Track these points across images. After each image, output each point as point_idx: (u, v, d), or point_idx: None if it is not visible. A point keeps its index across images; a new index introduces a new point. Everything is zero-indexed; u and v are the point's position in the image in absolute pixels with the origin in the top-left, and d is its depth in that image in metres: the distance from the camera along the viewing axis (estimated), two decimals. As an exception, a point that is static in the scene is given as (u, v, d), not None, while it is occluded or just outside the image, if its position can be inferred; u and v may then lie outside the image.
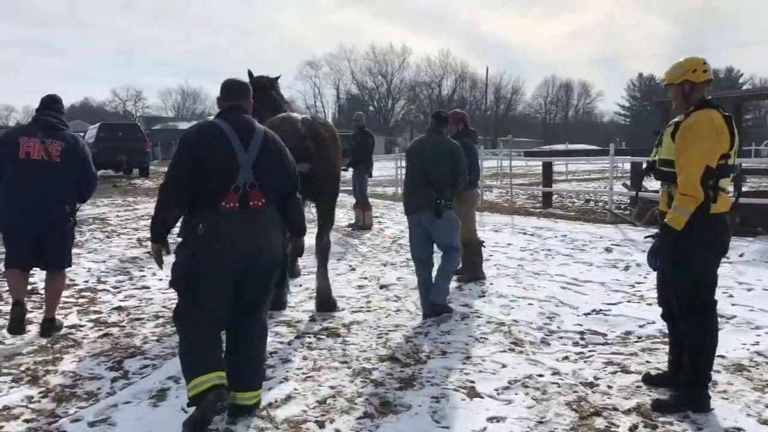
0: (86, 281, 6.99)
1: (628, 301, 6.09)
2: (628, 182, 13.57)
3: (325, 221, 5.92)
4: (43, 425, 3.57)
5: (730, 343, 4.71)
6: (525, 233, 10.02)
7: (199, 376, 3.34)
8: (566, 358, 4.64)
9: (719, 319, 3.93)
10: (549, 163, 14.76)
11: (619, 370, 4.36)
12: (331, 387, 4.08)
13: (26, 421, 3.62)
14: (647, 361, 4.51)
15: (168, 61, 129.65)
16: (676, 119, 3.84)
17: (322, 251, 5.87)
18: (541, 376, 4.29)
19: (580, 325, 5.41)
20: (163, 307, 5.95)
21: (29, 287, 6.44)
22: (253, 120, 3.64)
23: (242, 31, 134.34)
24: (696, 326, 3.70)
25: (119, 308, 5.94)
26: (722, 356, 4.38)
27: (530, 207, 14.33)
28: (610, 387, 4.07)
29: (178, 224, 3.71)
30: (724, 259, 3.87)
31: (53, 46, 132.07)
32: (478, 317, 5.66)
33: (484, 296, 6.32)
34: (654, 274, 6.87)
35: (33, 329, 5.23)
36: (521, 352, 4.77)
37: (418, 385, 4.14)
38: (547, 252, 8.46)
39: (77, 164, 5.12)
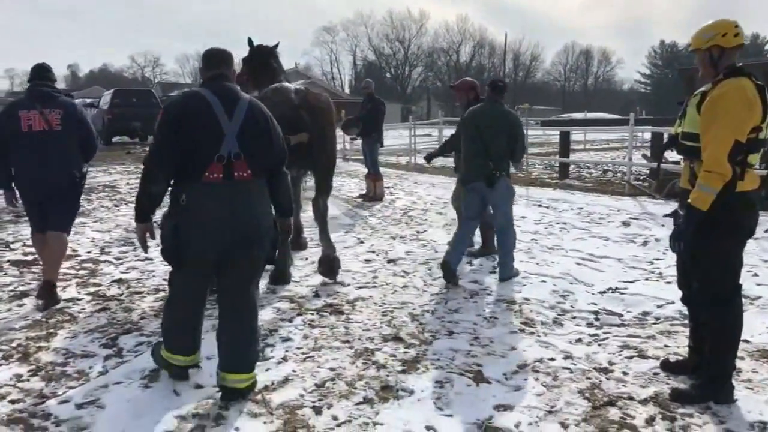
0: (89, 252, 6.84)
1: (646, 279, 5.82)
2: (648, 153, 13.15)
3: (323, 190, 5.90)
4: (29, 406, 3.42)
5: (755, 327, 4.45)
6: (540, 205, 9.72)
7: (169, 352, 3.60)
8: (579, 340, 4.42)
9: (743, 300, 3.66)
10: (566, 132, 14.35)
11: (636, 354, 4.13)
12: (331, 369, 3.90)
13: (12, 401, 3.47)
14: (665, 346, 4.27)
15: (186, 28, 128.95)
16: (702, 89, 3.52)
17: (321, 216, 5.86)
18: (552, 359, 4.07)
19: (595, 304, 5.17)
20: (164, 280, 5.75)
21: (30, 257, 6.35)
22: (238, 88, 3.51)
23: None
24: (719, 313, 3.44)
25: (119, 281, 5.79)
26: (747, 341, 4.12)
27: (546, 178, 13.99)
28: (625, 373, 3.85)
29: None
30: (749, 237, 3.59)
31: (72, 12, 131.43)
32: (488, 295, 5.44)
33: (494, 272, 6.08)
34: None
35: (29, 303, 5.10)
36: (532, 333, 4.56)
37: (422, 367, 3.94)
38: (562, 225, 8.18)
39: (77, 128, 5.25)
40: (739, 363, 3.70)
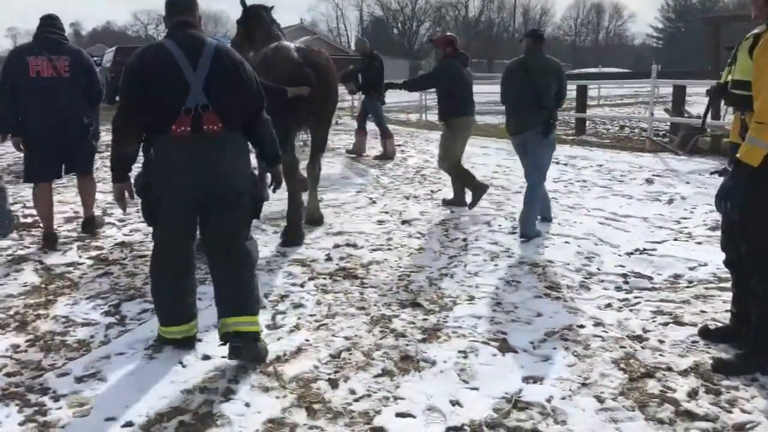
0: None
1: (675, 239, 5.53)
2: (670, 107, 12.69)
3: (319, 148, 5.98)
4: (26, 380, 3.20)
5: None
6: (557, 162, 9.36)
7: (164, 326, 3.45)
8: (609, 305, 4.15)
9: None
10: (583, 87, 13.86)
11: (671, 321, 3.87)
12: (347, 338, 3.66)
13: (8, 375, 3.25)
14: (702, 311, 4.00)
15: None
16: (755, 30, 3.17)
17: (315, 178, 5.97)
18: (581, 327, 3.82)
19: (623, 266, 4.89)
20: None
21: (30, 219, 6.12)
22: (202, 35, 3.31)
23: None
24: (770, 277, 3.15)
25: (122, 244, 5.55)
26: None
27: (562, 134, 13.57)
28: (661, 342, 3.59)
29: None
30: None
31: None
32: (509, 257, 5.17)
33: (514, 233, 5.80)
34: (703, 209, 6.37)
35: (27, 268, 4.87)
36: (558, 298, 4.29)
37: (443, 336, 3.69)
38: (582, 183, 7.86)
39: (84, 75, 5.39)
40: (786, 331, 3.43)
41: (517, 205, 6.75)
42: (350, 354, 3.46)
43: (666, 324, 3.82)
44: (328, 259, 5.12)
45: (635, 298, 4.27)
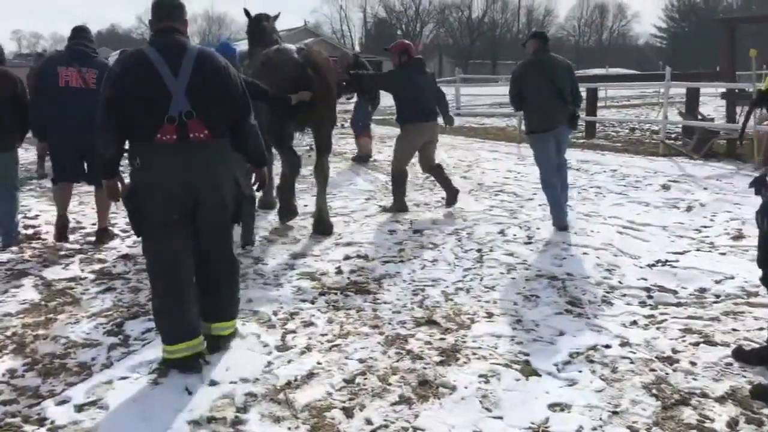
0: (94, 224, 6.38)
1: (697, 250, 5.33)
2: (682, 110, 12.46)
3: (325, 148, 6.00)
4: (23, 408, 3.03)
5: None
6: (569, 167, 9.15)
7: (168, 344, 3.29)
8: (634, 322, 3.96)
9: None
10: (593, 89, 13.64)
11: (701, 340, 3.67)
12: (361, 360, 3.47)
13: (4, 403, 3.08)
14: (733, 329, 3.81)
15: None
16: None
17: (323, 178, 5.95)
18: (607, 347, 3.62)
19: (645, 279, 4.70)
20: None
21: (31, 230, 5.97)
22: (185, 41, 3.24)
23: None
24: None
25: (126, 256, 5.37)
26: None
27: (571, 137, 13.36)
28: (693, 364, 3.40)
29: None
30: None
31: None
32: (526, 269, 4.98)
33: (530, 243, 5.61)
34: (724, 217, 6.15)
35: (27, 284, 4.70)
36: (580, 314, 4.10)
37: (462, 357, 3.51)
38: (596, 190, 7.66)
39: None
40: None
41: (531, 213, 6.59)
42: (365, 379, 3.28)
43: (696, 344, 3.63)
44: (339, 272, 4.93)
45: (661, 314, 4.08)
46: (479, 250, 5.44)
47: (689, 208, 6.65)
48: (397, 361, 3.47)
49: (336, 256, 5.32)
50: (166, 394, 3.14)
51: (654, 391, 3.13)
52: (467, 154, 10.84)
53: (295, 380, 3.25)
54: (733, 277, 4.57)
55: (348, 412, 2.97)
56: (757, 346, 3.48)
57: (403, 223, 6.34)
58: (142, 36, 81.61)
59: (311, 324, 3.96)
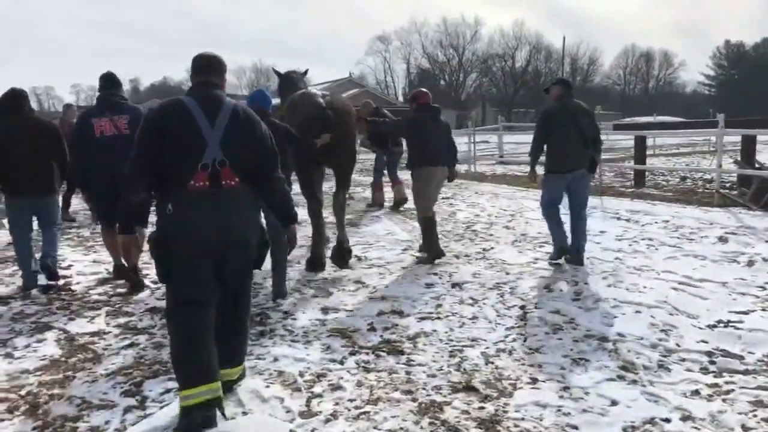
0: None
1: (763, 309, 4.89)
2: (737, 158, 11.93)
3: (344, 185, 6.50)
4: (25, 478, 2.81)
5: None
6: (619, 218, 8.76)
7: (186, 388, 3.13)
8: (696, 392, 3.56)
9: None
10: (642, 137, 13.22)
11: (776, 415, 3.26)
12: (390, 431, 3.16)
13: (7, 471, 2.87)
14: (812, 403, 3.37)
15: (241, 40, 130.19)
16: None
17: (340, 208, 6.46)
18: (667, 421, 3.24)
19: (706, 342, 4.29)
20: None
21: (62, 281, 5.87)
22: (222, 95, 3.37)
23: (313, 9, 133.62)
24: None
25: (153, 309, 5.20)
26: None
27: (620, 186, 12.92)
28: (769, 444, 2.99)
29: None
30: None
31: (132, 27, 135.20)
32: (574, 329, 4.61)
33: (578, 299, 5.25)
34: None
35: (49, 338, 4.54)
36: (635, 381, 3.72)
37: (503, 429, 3.17)
38: (648, 242, 7.23)
39: None
40: None
41: (579, 267, 6.21)
42: (395, 453, 2.97)
43: (770, 420, 3.21)
44: (372, 329, 4.65)
45: (727, 383, 3.67)
46: (522, 307, 5.10)
47: (750, 263, 6.18)
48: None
49: (369, 311, 5.04)
50: (178, 466, 2.89)
51: (724, 477, 2.73)
52: (510, 203, 10.51)
53: (318, 453, 2.96)
54: (806, 342, 4.13)
55: (374, 494, 2.66)
56: (843, 425, 3.06)
57: (442, 276, 6.04)
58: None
59: (339, 387, 3.68)
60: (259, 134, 3.38)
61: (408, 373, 3.87)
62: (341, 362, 4.05)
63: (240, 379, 3.65)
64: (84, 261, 6.75)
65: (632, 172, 13.68)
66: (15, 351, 4.30)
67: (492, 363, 4.02)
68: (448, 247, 7.33)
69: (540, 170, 6.59)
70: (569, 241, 6.35)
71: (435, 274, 6.13)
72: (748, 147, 10.94)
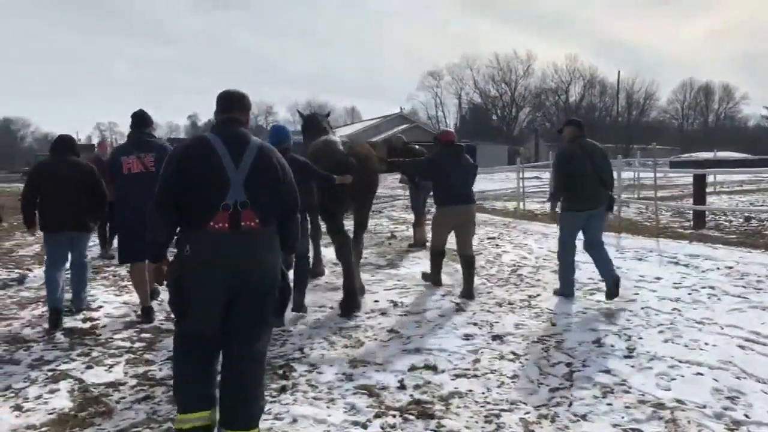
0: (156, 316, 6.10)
1: None
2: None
3: (361, 228, 6.68)
4: None
5: None
6: (677, 263, 8.17)
7: (182, 413, 3.18)
8: (770, 477, 3.07)
9: None
10: (701, 175, 12.55)
11: None
12: None
13: None
14: None
15: (295, 77, 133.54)
16: None
17: (358, 254, 6.60)
18: None
19: (780, 412, 3.77)
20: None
21: (88, 324, 5.71)
22: (248, 134, 3.30)
23: (365, 46, 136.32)
24: None
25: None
26: None
27: (677, 227, 12.23)
28: None
29: None
30: None
31: (191, 65, 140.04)
32: (626, 392, 4.15)
33: (631, 357, 4.77)
34: None
35: (63, 388, 4.34)
36: (696, 460, 3.25)
37: None
38: (710, 291, 6.66)
39: None
40: None
41: (633, 318, 5.74)
42: None
43: None
44: (401, 387, 4.28)
45: (806, 467, 3.16)
46: (569, 365, 4.66)
47: (828, 317, 5.57)
48: None
49: (400, 365, 4.68)
50: None
51: None
52: (560, 244, 10.01)
53: None
54: None
55: None
56: None
57: (482, 327, 5.63)
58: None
59: (359, 457, 3.32)
60: (282, 176, 3.31)
61: (437, 441, 3.49)
62: (364, 426, 3.70)
63: None
64: (114, 302, 6.60)
65: (691, 212, 12.99)
66: (25, 402, 4.10)
67: (532, 431, 3.60)
68: (492, 293, 6.92)
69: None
70: (598, 276, 6.57)
71: (475, 324, 5.73)
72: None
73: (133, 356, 5.01)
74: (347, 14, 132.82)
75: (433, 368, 4.62)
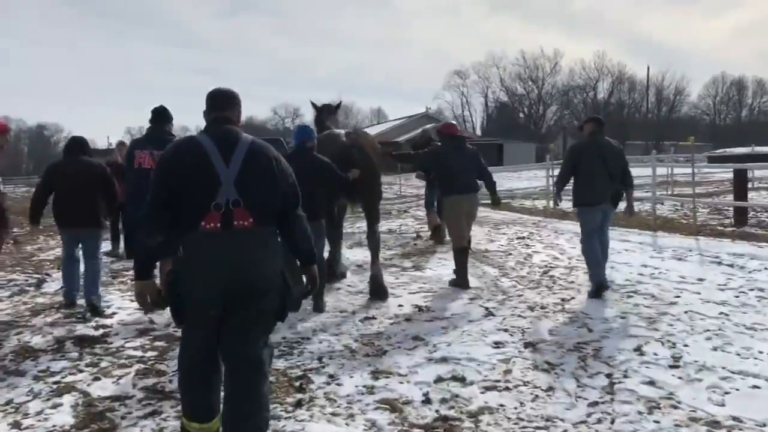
0: (168, 323, 5.84)
1: None
2: None
3: (373, 218, 6.78)
4: None
5: None
6: (720, 263, 7.70)
7: (186, 418, 3.16)
8: None
9: None
10: (743, 170, 11.96)
11: None
12: None
13: None
14: None
15: (320, 79, 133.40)
16: None
17: (375, 245, 6.68)
18: None
19: None
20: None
21: (101, 331, 5.49)
22: (238, 131, 3.19)
23: (390, 46, 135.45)
24: None
25: (187, 368, 4.68)
26: None
27: (717, 225, 11.68)
28: None
29: None
30: None
31: (219, 70, 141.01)
32: (674, 407, 3.77)
33: (677, 366, 4.38)
34: None
35: (67, 402, 4.08)
36: (760, 489, 2.87)
37: None
38: (759, 293, 6.20)
39: None
40: None
41: (676, 323, 5.34)
42: None
43: None
44: (426, 401, 3.95)
45: None
46: (609, 375, 4.28)
47: None
48: None
49: (426, 376, 4.35)
50: None
51: None
52: (593, 244, 9.56)
53: None
54: None
55: None
56: None
57: (513, 333, 5.27)
58: (275, 126, 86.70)
59: (380, 482, 3.00)
60: (277, 171, 3.17)
61: (465, 464, 3.16)
62: (386, 446, 3.38)
63: None
64: (129, 308, 6.36)
65: (730, 209, 12.43)
66: (25, 419, 3.84)
67: (571, 454, 3.24)
68: (523, 296, 6.55)
69: (568, 203, 7.00)
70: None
71: (505, 330, 5.37)
72: None
73: (143, 366, 4.75)
74: (372, 14, 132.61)
75: (461, 380, 4.29)
